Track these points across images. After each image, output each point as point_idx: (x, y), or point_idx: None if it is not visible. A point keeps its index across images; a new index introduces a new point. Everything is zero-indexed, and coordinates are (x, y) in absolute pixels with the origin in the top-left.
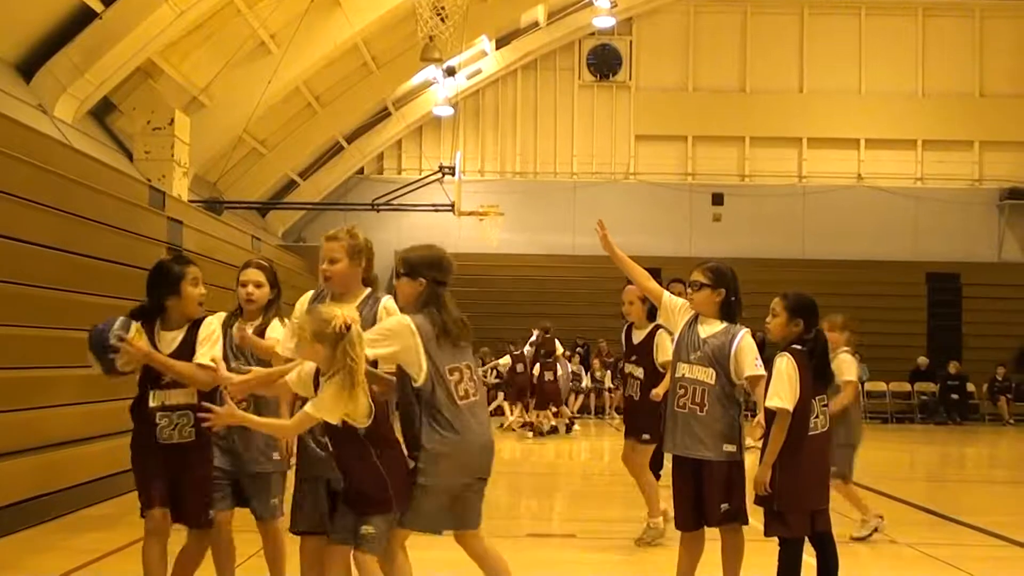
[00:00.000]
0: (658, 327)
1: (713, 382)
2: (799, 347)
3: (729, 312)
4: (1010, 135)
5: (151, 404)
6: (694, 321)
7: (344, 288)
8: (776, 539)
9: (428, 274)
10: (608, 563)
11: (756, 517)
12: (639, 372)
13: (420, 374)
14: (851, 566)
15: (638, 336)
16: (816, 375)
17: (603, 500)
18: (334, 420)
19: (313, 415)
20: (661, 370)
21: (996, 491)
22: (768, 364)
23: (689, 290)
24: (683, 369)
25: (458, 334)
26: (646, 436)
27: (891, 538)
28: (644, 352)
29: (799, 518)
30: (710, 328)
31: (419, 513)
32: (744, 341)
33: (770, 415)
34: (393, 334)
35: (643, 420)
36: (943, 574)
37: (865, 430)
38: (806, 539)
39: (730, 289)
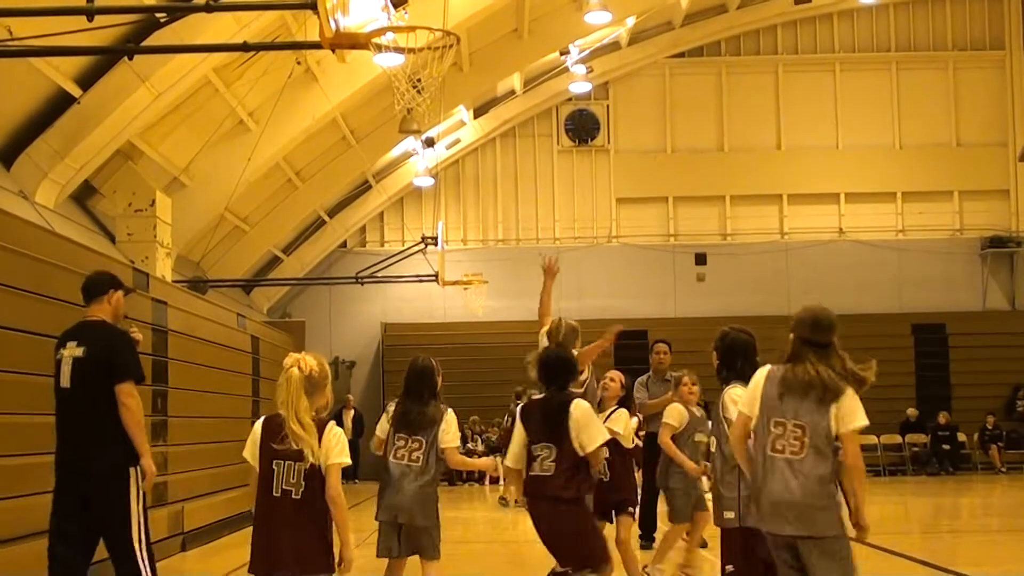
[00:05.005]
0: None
1: (715, 449)
2: None
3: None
4: (988, 184)
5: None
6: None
7: None
8: None
9: None
10: None
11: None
12: None
13: None
14: None
15: None
16: None
17: None
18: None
19: None
20: None
21: (992, 540)
22: None
23: None
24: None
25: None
26: None
27: None
28: None
29: None
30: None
31: None
32: (725, 395)
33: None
34: None
35: None
36: None
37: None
38: None
39: (717, 351)
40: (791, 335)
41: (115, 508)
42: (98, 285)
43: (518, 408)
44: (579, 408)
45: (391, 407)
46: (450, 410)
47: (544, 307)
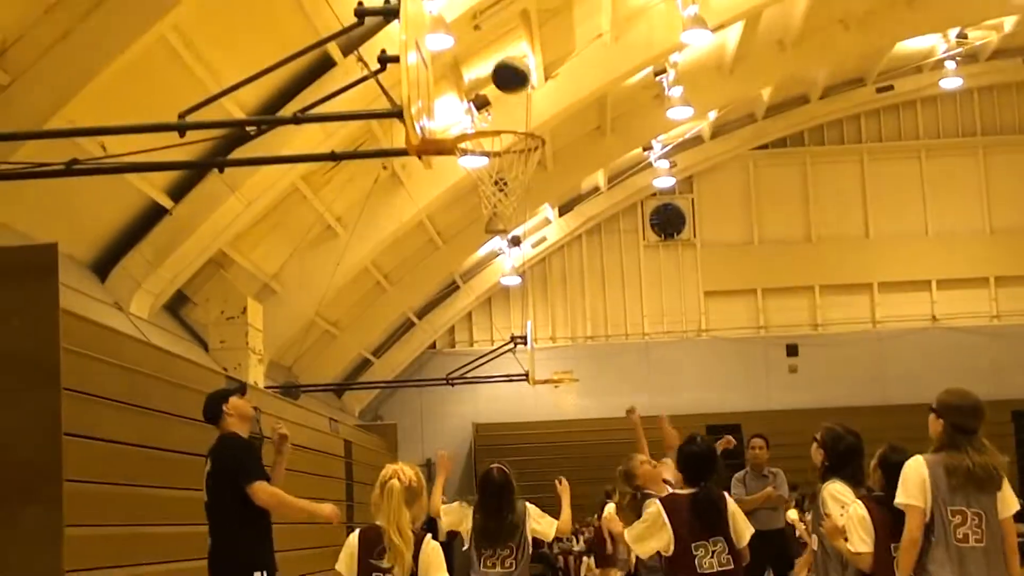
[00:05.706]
0: None
1: (816, 548)
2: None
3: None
4: None
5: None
6: None
7: None
8: None
9: None
10: None
11: None
12: None
13: None
14: None
15: None
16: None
17: None
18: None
19: None
20: None
21: None
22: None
23: None
24: None
25: None
26: None
27: None
28: None
29: None
30: None
31: None
32: (824, 491)
33: None
34: None
35: None
36: None
37: None
38: None
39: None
40: (939, 420)
41: None
42: (212, 407)
43: (658, 502)
44: (732, 502)
45: (468, 511)
46: (526, 503)
47: (639, 446)
